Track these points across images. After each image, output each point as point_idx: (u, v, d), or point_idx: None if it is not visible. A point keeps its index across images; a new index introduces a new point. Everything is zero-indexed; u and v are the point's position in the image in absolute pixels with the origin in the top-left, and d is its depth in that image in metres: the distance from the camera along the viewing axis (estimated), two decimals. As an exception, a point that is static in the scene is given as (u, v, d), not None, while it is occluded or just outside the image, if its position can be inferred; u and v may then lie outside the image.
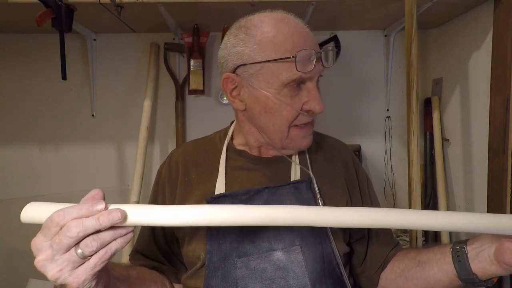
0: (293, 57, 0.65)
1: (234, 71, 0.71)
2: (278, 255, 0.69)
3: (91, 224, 0.46)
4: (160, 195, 0.82)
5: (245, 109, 0.74)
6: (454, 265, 0.64)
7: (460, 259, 0.63)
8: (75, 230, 0.45)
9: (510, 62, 1.08)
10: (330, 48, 0.73)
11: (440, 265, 0.67)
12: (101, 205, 0.48)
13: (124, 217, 0.49)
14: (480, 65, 1.25)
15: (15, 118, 1.52)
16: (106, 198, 0.51)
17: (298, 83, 0.69)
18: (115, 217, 0.47)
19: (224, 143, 0.81)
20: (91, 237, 0.47)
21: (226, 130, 0.86)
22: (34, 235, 0.48)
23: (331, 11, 1.30)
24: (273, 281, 0.68)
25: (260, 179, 0.76)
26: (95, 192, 0.51)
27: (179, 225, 0.52)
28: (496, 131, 1.13)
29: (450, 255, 0.65)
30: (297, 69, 0.66)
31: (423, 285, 0.71)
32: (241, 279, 0.68)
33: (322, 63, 0.70)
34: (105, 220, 0.47)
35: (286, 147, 0.76)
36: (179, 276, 0.79)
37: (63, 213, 0.46)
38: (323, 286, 0.69)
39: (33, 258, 0.47)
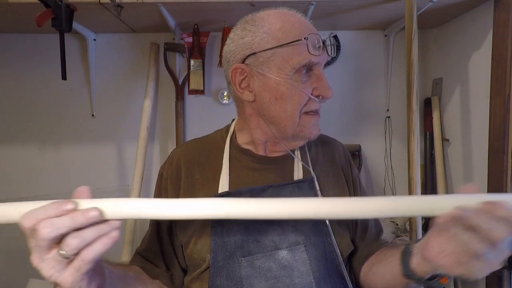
0: (304, 38, 0.67)
1: (243, 62, 0.72)
2: (283, 253, 0.69)
3: (63, 223, 0.44)
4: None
5: (254, 100, 0.74)
6: (400, 260, 0.62)
7: (405, 255, 0.61)
8: (45, 231, 0.43)
9: (510, 62, 1.08)
10: (331, 42, 0.74)
11: (394, 260, 0.65)
12: (69, 205, 0.46)
13: (100, 213, 0.46)
14: (480, 65, 1.24)
15: (15, 118, 1.52)
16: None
17: (307, 70, 0.70)
18: (90, 214, 0.45)
19: (226, 141, 0.81)
20: (71, 235, 0.45)
21: (227, 128, 0.85)
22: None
23: (331, 11, 1.30)
24: (279, 280, 0.67)
25: (265, 179, 0.76)
26: (81, 189, 0.49)
27: (156, 218, 0.51)
28: (496, 131, 1.13)
29: (401, 250, 0.63)
30: (308, 51, 0.67)
31: (382, 279, 0.70)
32: (246, 278, 0.68)
33: (327, 51, 0.71)
34: (79, 217, 0.45)
35: (297, 136, 0.75)
36: (175, 280, 0.78)
37: (29, 215, 0.45)
38: (327, 285, 0.69)
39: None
